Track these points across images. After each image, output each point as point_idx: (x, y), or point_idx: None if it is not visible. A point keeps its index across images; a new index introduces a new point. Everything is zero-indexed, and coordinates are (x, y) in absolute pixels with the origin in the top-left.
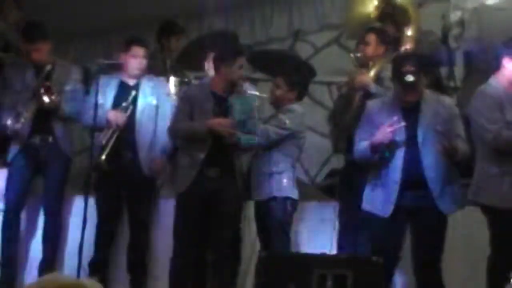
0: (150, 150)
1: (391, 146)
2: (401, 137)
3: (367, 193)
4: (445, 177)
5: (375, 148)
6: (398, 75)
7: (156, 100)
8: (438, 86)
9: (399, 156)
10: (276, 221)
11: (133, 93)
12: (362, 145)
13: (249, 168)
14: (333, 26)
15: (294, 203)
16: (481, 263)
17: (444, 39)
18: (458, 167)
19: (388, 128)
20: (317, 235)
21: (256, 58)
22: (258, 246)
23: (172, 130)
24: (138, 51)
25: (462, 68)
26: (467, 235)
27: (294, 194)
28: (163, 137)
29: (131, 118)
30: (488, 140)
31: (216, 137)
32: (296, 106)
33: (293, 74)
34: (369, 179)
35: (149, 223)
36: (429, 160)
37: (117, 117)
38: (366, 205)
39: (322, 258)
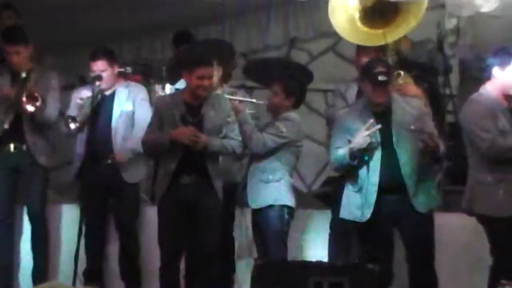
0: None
1: (369, 149)
2: (376, 139)
3: (344, 200)
4: (421, 175)
5: (354, 153)
6: (370, 76)
7: (132, 105)
8: (434, 94)
9: (376, 158)
10: (273, 229)
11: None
12: (339, 152)
13: (246, 175)
14: (329, 34)
15: (291, 211)
16: (480, 271)
17: (440, 46)
18: (435, 165)
19: (365, 131)
20: (313, 242)
21: (252, 66)
22: (254, 253)
23: (143, 145)
24: (92, 65)
25: (457, 75)
26: (465, 244)
27: (291, 202)
28: (133, 140)
29: (108, 125)
30: (482, 149)
31: (186, 146)
32: (294, 115)
33: (291, 81)
34: (346, 186)
35: (138, 230)
36: (405, 158)
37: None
38: (344, 213)
39: (318, 266)
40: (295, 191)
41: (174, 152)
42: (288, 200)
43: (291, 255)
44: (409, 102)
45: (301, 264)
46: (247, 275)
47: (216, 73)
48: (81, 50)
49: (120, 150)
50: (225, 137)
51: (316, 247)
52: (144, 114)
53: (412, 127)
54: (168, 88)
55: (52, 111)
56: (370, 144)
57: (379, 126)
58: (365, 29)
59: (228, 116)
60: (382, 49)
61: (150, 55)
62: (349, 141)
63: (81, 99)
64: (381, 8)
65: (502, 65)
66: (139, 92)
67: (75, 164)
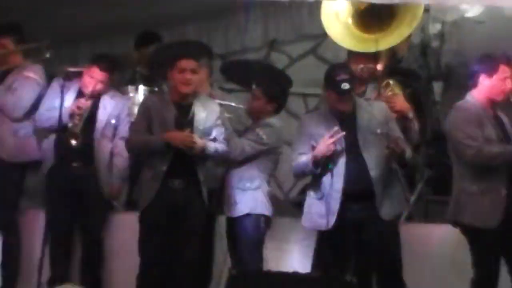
0: (109, 167)
1: (333, 157)
2: (341, 145)
3: (306, 208)
4: (386, 180)
5: (317, 161)
6: (333, 84)
7: (116, 119)
8: (416, 101)
9: (341, 164)
10: (249, 239)
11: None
12: (302, 159)
13: (222, 183)
14: (310, 36)
15: (268, 220)
16: (461, 284)
17: (423, 51)
18: (403, 171)
19: (329, 139)
20: (290, 253)
21: (230, 69)
22: (229, 263)
23: (129, 144)
24: (97, 74)
25: (441, 82)
26: (446, 256)
27: (268, 211)
28: (121, 161)
29: (89, 131)
30: (468, 157)
31: (178, 148)
32: (275, 120)
33: (273, 85)
34: (308, 193)
35: (103, 238)
36: (373, 163)
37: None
38: (306, 222)
39: (294, 277)
40: (272, 198)
41: (164, 154)
42: (265, 209)
43: (267, 266)
44: (374, 106)
45: (277, 275)
46: (221, 285)
47: (203, 73)
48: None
49: (103, 159)
50: (214, 140)
51: (293, 258)
52: (127, 127)
53: (378, 131)
54: (142, 90)
55: (17, 102)
56: (334, 151)
57: (343, 133)
58: (359, 33)
59: (219, 118)
60: (374, 55)
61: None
62: (313, 147)
63: (79, 108)
64: (376, 11)
65: (488, 72)
66: (125, 106)
67: (46, 165)
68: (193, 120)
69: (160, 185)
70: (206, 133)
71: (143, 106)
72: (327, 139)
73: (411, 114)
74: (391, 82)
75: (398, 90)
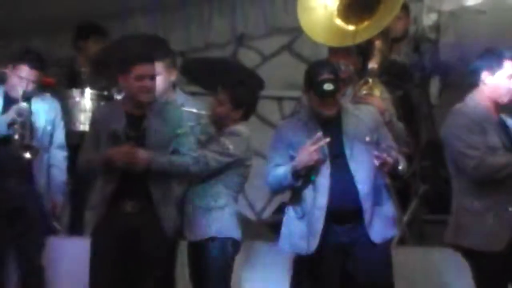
0: (47, 182)
1: (316, 167)
2: (324, 153)
3: (285, 229)
4: (376, 197)
5: (298, 172)
6: (315, 86)
7: (51, 125)
8: (408, 104)
9: (325, 176)
10: (214, 266)
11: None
12: (279, 171)
13: (182, 202)
14: (284, 30)
15: (236, 244)
16: None
17: (417, 46)
18: (395, 186)
19: (311, 147)
20: (262, 281)
21: (191, 68)
22: None
23: (77, 166)
24: (27, 72)
25: (437, 81)
26: (445, 283)
27: (237, 233)
28: (58, 173)
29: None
30: (468, 169)
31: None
32: (242, 128)
33: (241, 88)
34: (287, 211)
35: (43, 266)
36: (361, 175)
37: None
38: (284, 244)
39: None
40: (242, 219)
41: (112, 173)
42: (233, 231)
43: None
44: (362, 109)
45: None
46: None
47: (166, 75)
48: None
49: (43, 173)
50: (174, 152)
51: (265, 287)
52: (63, 134)
53: (367, 138)
54: (88, 93)
55: None
56: (317, 161)
57: (327, 139)
58: (340, 25)
59: (179, 127)
60: (362, 50)
61: (67, 53)
62: (292, 158)
63: (21, 114)
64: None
65: (491, 69)
66: (58, 109)
67: None
68: (145, 131)
69: (106, 209)
70: (162, 146)
71: (92, 118)
72: (309, 147)
73: (388, 116)
74: (370, 80)
75: (377, 91)
